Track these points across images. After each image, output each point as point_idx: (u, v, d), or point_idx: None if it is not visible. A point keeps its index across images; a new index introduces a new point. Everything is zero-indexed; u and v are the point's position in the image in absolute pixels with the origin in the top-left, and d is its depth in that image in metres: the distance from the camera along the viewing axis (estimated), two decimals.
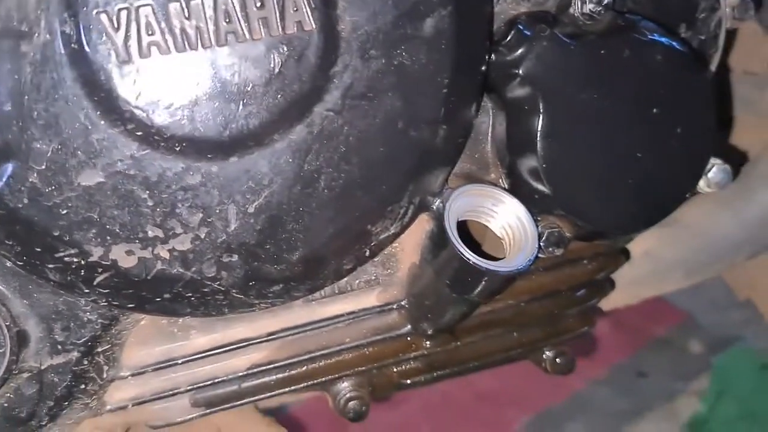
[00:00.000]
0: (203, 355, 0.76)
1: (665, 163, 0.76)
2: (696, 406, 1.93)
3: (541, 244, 0.74)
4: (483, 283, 0.71)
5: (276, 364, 0.79)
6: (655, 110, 0.75)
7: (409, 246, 0.78)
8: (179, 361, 0.76)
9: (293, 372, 0.80)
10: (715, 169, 0.79)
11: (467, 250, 0.69)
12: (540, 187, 0.74)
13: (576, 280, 0.87)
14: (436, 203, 0.71)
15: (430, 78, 0.66)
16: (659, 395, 1.98)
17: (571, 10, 0.73)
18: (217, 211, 0.63)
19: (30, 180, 0.59)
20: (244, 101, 0.61)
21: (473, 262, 0.69)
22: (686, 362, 2.06)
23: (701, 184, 0.79)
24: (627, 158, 0.75)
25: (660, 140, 0.76)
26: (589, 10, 0.72)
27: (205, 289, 0.65)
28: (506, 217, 0.72)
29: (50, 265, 0.62)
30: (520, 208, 0.72)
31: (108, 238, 0.61)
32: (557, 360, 0.91)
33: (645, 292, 1.11)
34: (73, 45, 0.57)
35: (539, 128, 0.72)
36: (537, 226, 0.72)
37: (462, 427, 1.85)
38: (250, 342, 0.77)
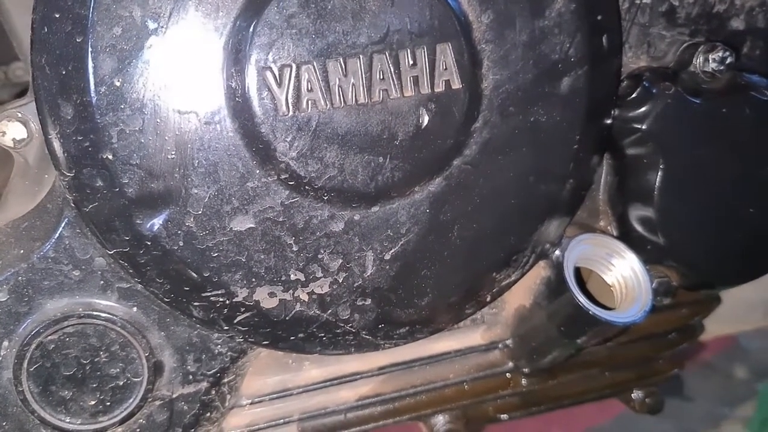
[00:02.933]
0: (316, 386, 0.79)
1: None
2: None
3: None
4: (595, 330, 0.73)
5: (382, 397, 0.82)
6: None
7: (516, 288, 0.80)
8: (293, 392, 0.78)
9: (397, 405, 0.83)
10: None
11: (587, 300, 0.71)
12: (654, 238, 0.75)
13: (671, 324, 0.89)
14: (555, 252, 0.73)
15: (562, 134, 0.68)
16: (704, 420, 1.98)
17: (692, 68, 0.75)
18: (356, 257, 0.65)
19: (186, 224, 0.61)
20: (392, 155, 0.63)
21: (592, 313, 0.71)
22: (731, 388, 2.06)
23: None
24: (739, 212, 0.77)
25: None
26: (712, 68, 0.74)
27: (338, 330, 0.68)
28: (621, 269, 0.74)
29: (196, 303, 0.65)
30: (637, 261, 0.74)
31: (253, 280, 0.64)
32: (646, 400, 0.93)
33: (723, 329, 1.12)
34: (237, 98, 0.59)
35: (658, 182, 0.74)
36: (651, 278, 0.74)
37: None
38: (361, 376, 0.80)
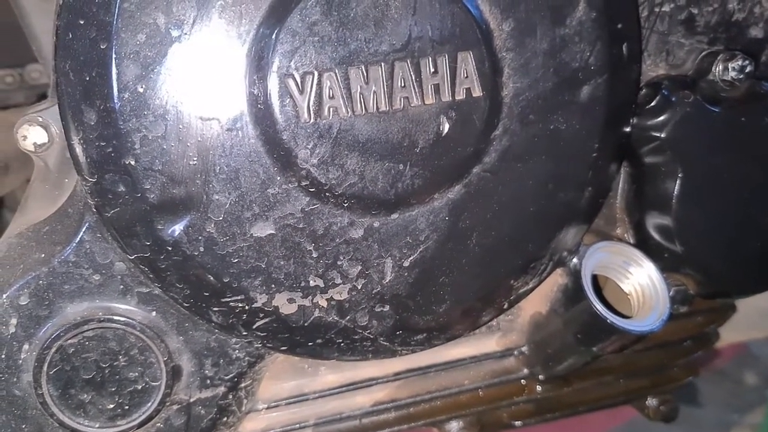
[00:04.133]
0: (332, 391, 0.79)
1: None
2: None
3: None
4: (612, 339, 0.73)
5: (397, 403, 0.82)
6: None
7: (532, 295, 0.80)
8: (309, 396, 0.79)
9: (412, 410, 0.83)
10: None
11: (604, 308, 0.71)
12: (671, 246, 0.75)
13: (687, 332, 0.89)
14: (573, 260, 0.73)
15: (581, 142, 0.68)
16: (714, 426, 1.98)
17: (711, 76, 0.75)
18: (375, 264, 0.65)
19: (207, 230, 0.62)
20: (412, 162, 0.63)
21: (610, 321, 0.71)
22: (742, 394, 2.06)
23: None
24: (756, 221, 0.77)
25: None
26: (731, 77, 0.73)
27: (356, 337, 0.68)
28: (638, 277, 0.74)
29: (215, 309, 0.65)
30: (654, 269, 0.74)
31: (273, 286, 0.64)
32: (661, 408, 0.92)
33: (735, 337, 1.11)
34: (259, 105, 0.60)
35: (676, 191, 0.74)
36: (668, 287, 0.74)
37: None
38: (377, 381, 0.80)
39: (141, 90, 0.58)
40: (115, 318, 0.67)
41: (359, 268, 0.65)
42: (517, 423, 0.88)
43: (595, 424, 1.90)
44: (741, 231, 0.77)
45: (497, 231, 0.68)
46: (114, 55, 0.57)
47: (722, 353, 2.11)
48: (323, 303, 0.66)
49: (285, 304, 0.65)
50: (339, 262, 0.65)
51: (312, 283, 0.65)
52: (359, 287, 0.66)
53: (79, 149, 0.60)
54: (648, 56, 0.76)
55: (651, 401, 0.92)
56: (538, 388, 0.86)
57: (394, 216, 0.65)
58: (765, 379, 2.09)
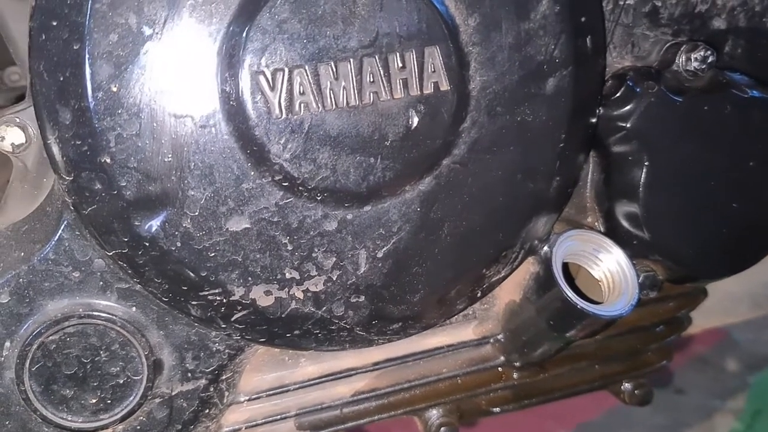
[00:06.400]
0: (312, 382, 0.81)
1: (758, 212, 0.80)
2: (733, 424, 1.96)
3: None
4: (584, 324, 0.75)
5: (377, 392, 0.83)
6: (751, 163, 0.78)
7: (507, 283, 0.82)
8: (290, 388, 0.80)
9: (392, 399, 0.84)
10: None
11: (574, 294, 0.73)
12: (639, 232, 0.77)
13: (659, 317, 0.91)
14: (544, 248, 0.75)
15: (548, 133, 0.70)
16: (697, 413, 2.01)
17: (675, 66, 0.77)
18: (350, 255, 0.67)
19: (183, 225, 0.63)
20: (383, 155, 0.65)
21: (580, 307, 0.73)
22: (723, 380, 2.09)
23: None
24: (721, 207, 0.79)
25: (754, 191, 0.79)
26: (694, 67, 0.76)
27: (332, 327, 0.70)
28: (608, 263, 0.76)
29: (194, 303, 0.67)
30: (623, 255, 0.76)
31: (249, 279, 0.66)
32: (636, 391, 0.94)
33: (710, 322, 1.14)
34: (231, 102, 0.61)
35: (642, 179, 0.76)
36: (636, 272, 0.76)
37: None
38: (356, 371, 0.82)
39: (114, 89, 0.59)
40: (96, 314, 0.68)
41: (334, 259, 0.67)
42: (496, 410, 0.90)
43: (575, 413, 1.93)
44: (707, 217, 0.79)
45: (468, 221, 0.69)
46: (87, 55, 0.59)
47: (703, 340, 2.14)
48: (299, 294, 0.67)
49: (262, 296, 0.67)
50: (314, 255, 0.66)
51: (288, 276, 0.66)
52: (334, 278, 0.67)
53: (55, 148, 0.61)
54: (613, 48, 0.78)
55: (626, 386, 0.94)
56: (515, 374, 0.87)
57: (367, 208, 0.66)
58: (746, 365, 2.12)
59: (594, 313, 0.73)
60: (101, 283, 0.68)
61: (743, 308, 1.13)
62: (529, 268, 0.78)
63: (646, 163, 0.75)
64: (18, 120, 0.69)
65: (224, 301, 0.66)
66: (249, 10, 0.60)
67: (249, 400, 0.79)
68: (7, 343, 0.68)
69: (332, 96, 0.63)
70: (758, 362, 2.09)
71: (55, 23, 0.59)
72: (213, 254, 0.64)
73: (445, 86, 0.65)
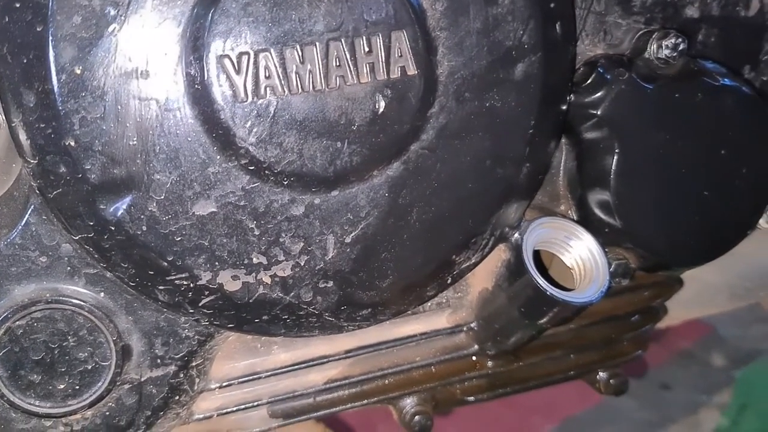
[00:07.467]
0: (284, 370, 0.81)
1: (730, 200, 0.80)
2: (719, 419, 1.97)
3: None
4: (555, 311, 0.75)
5: (350, 380, 0.83)
6: (722, 151, 0.79)
7: (480, 271, 0.82)
8: (262, 375, 0.80)
9: (365, 387, 0.84)
10: None
11: (544, 281, 0.73)
12: (611, 220, 0.78)
13: (634, 306, 0.91)
14: (515, 235, 0.75)
15: (517, 119, 0.70)
16: (683, 407, 2.02)
17: (647, 54, 0.77)
18: (317, 240, 0.67)
19: (149, 209, 0.63)
20: (350, 140, 0.65)
21: (549, 293, 0.73)
22: (709, 375, 2.10)
23: (761, 221, 0.83)
24: (694, 196, 0.79)
25: (726, 179, 0.79)
26: (665, 55, 0.76)
27: (301, 312, 0.69)
28: (579, 250, 0.76)
29: (161, 287, 0.66)
30: (593, 242, 0.76)
31: (216, 263, 0.65)
32: (611, 381, 0.95)
33: (689, 314, 1.14)
34: (196, 86, 0.61)
35: (614, 166, 0.76)
36: (608, 260, 0.76)
37: None
38: (329, 359, 0.82)
39: (78, 72, 0.59)
40: (63, 299, 0.68)
41: (301, 244, 0.67)
42: (471, 398, 0.90)
43: (562, 407, 1.93)
44: (678, 205, 0.79)
45: (437, 207, 0.69)
46: (50, 38, 0.58)
47: (688, 335, 2.15)
48: (267, 280, 0.67)
49: (229, 281, 0.66)
50: (281, 239, 0.66)
51: (255, 260, 0.66)
52: (302, 264, 0.67)
53: (20, 131, 0.61)
54: (586, 36, 0.78)
55: (601, 375, 0.94)
56: (489, 363, 0.87)
57: (335, 193, 0.66)
58: (732, 360, 2.13)
59: (564, 299, 0.73)
60: (69, 268, 0.68)
61: (722, 299, 1.13)
62: (501, 255, 0.78)
63: (617, 151, 0.75)
64: None
65: (191, 286, 0.66)
66: None
67: (221, 387, 0.79)
68: None
69: (298, 80, 0.62)
70: (744, 357, 2.10)
71: (18, 5, 0.58)
72: (179, 238, 0.64)
73: (412, 71, 0.65)
